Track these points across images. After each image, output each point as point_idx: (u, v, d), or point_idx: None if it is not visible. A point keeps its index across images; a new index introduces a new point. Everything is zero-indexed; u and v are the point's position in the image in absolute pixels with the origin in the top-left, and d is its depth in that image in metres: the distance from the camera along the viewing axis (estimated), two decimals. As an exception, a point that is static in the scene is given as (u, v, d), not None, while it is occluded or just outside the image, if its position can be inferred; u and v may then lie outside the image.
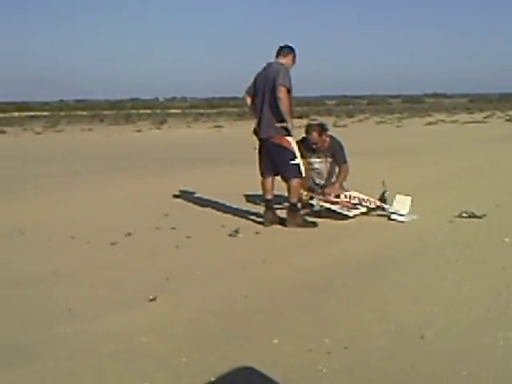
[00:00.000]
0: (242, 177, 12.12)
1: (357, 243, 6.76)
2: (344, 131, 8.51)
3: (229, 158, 16.97)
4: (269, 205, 7.67)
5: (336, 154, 8.51)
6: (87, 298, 4.92)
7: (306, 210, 8.18)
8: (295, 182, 7.56)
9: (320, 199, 8.23)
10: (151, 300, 4.83)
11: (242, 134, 29.53)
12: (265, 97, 7.48)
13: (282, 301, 4.78)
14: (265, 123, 7.54)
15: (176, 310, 4.63)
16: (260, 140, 7.62)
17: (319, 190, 8.45)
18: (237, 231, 7.16)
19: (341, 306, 4.63)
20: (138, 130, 33.07)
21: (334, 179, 8.56)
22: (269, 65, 7.57)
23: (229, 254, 6.27)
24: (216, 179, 12.18)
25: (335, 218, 7.87)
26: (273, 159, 7.56)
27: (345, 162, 8.48)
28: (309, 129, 8.57)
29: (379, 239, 6.99)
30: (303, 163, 8.00)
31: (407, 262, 5.95)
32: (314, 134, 8.50)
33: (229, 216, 8.19)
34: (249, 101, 7.76)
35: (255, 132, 7.59)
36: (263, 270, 5.70)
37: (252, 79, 7.59)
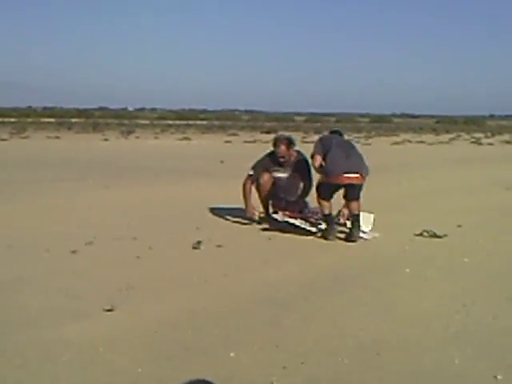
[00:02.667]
0: (208, 189, 12.47)
1: (319, 259, 6.83)
2: (311, 147, 8.73)
3: (196, 169, 17.14)
4: (331, 219, 8.02)
5: (301, 169, 8.50)
6: (45, 306, 4.85)
7: (266, 226, 8.29)
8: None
9: (284, 214, 8.25)
10: (109, 310, 4.77)
11: (210, 147, 29.95)
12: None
13: (242, 314, 4.78)
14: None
15: (134, 320, 4.60)
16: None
17: (283, 205, 8.46)
18: (199, 243, 7.15)
19: (300, 321, 4.64)
20: (106, 139, 33.05)
21: (298, 194, 8.57)
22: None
23: (190, 266, 6.27)
24: (182, 191, 12.21)
25: (298, 233, 7.89)
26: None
27: (309, 177, 8.47)
28: (277, 142, 8.64)
29: (341, 255, 7.06)
30: (268, 177, 8.43)
31: (367, 278, 5.99)
32: (282, 148, 8.56)
33: (192, 228, 8.18)
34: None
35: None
36: (224, 282, 5.70)
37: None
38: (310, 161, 8.27)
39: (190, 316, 4.71)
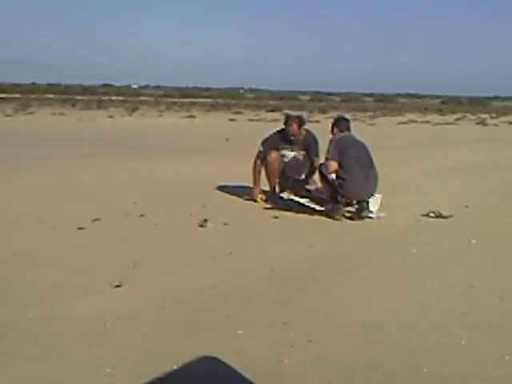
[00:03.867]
0: (214, 167, 12.44)
1: (326, 238, 6.80)
2: (316, 127, 8.57)
3: (201, 147, 17.17)
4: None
5: (310, 147, 8.53)
6: (53, 282, 4.86)
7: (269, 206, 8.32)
8: None
9: (291, 192, 8.27)
10: (117, 286, 4.79)
11: (214, 125, 29.80)
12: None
13: (250, 292, 4.77)
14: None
15: (142, 297, 4.60)
16: None
17: (290, 183, 8.52)
18: (206, 221, 7.14)
19: (308, 300, 4.64)
20: (110, 116, 32.91)
21: (305, 173, 8.64)
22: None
23: (197, 244, 6.25)
24: (188, 168, 12.23)
25: (305, 212, 7.88)
26: None
27: (317, 155, 8.49)
28: (289, 120, 8.67)
29: (348, 235, 7.05)
30: (276, 155, 8.54)
31: (374, 258, 5.97)
32: (294, 126, 8.61)
33: (199, 206, 8.18)
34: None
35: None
36: (231, 260, 5.69)
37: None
38: (319, 140, 8.46)
39: (197, 293, 4.72)
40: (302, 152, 8.60)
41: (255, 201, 8.62)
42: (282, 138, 8.64)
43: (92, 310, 4.26)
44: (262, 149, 8.64)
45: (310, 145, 8.58)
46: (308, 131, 8.64)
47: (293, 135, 8.58)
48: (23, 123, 25.71)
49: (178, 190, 9.63)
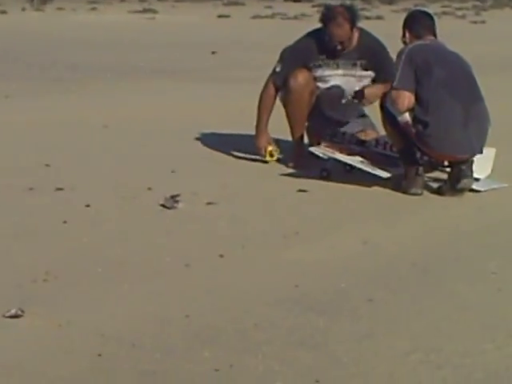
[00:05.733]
0: (191, 103, 8.99)
1: (393, 228, 4.88)
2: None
3: (170, 67, 12.48)
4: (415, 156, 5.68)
5: (374, 60, 6.04)
6: None
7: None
8: None
9: (330, 146, 5.87)
10: (13, 317, 3.33)
11: (192, 26, 21.35)
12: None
13: (255, 327, 3.27)
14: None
15: (58, 335, 3.21)
16: None
17: (331, 131, 6.11)
18: (175, 199, 5.15)
19: (357, 343, 3.17)
20: (2, 12, 24.37)
21: (357, 113, 6.32)
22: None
23: (157, 240, 4.48)
24: (146, 106, 8.81)
25: (355, 182, 5.70)
26: None
27: (391, 74, 5.70)
28: (332, 15, 5.99)
29: (432, 223, 5.03)
30: (306, 78, 5.93)
31: (480, 265, 4.16)
32: (345, 27, 5.93)
33: (163, 172, 5.96)
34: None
35: None
36: (219, 269, 4.04)
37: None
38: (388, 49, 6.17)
39: (157, 329, 3.26)
40: (359, 71, 6.16)
41: (263, 160, 6.20)
42: (319, 48, 6.08)
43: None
44: (279, 68, 6.14)
45: (373, 56, 6.04)
46: (364, 32, 6.22)
47: (340, 42, 5.99)
48: None
49: (125, 143, 7.00)
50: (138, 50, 14.67)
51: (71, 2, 27.35)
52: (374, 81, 6.06)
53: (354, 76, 6.01)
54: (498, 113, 5.92)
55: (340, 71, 6.01)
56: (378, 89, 5.83)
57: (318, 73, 6.03)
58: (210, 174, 6.07)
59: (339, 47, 5.90)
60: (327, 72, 6.01)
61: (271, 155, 6.14)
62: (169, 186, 5.55)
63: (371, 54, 6.00)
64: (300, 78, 5.94)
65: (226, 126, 7.26)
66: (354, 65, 6.01)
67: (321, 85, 6.04)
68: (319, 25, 6.15)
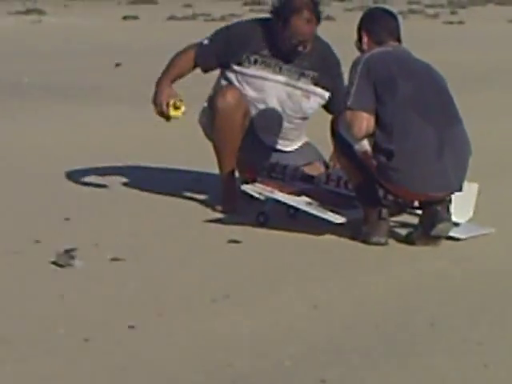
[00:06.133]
0: (87, 130, 7.80)
1: (347, 289, 3.94)
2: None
3: (59, 84, 10.87)
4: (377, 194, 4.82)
5: (332, 76, 5.15)
6: None
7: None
8: None
9: (268, 184, 4.88)
10: None
11: (91, 30, 18.93)
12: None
13: None
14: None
15: None
16: None
17: (268, 162, 5.24)
18: (70, 254, 4.19)
19: None
20: None
21: (302, 139, 5.46)
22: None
23: (49, 310, 3.53)
24: (27, 132, 7.65)
25: (301, 229, 4.79)
26: None
27: (346, 101, 4.78)
28: (298, 6, 4.90)
29: (398, 280, 4.16)
30: (236, 93, 5.00)
31: (454, 330, 3.43)
32: (313, 23, 4.94)
33: (55, 219, 5.00)
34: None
35: None
36: (131, 344, 3.14)
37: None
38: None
39: None
40: (308, 85, 5.18)
41: (166, 118, 5.10)
42: (264, 40, 5.04)
43: None
44: (207, 41, 5.04)
45: (327, 70, 5.13)
46: (320, 40, 5.30)
47: (303, 41, 4.97)
48: None
49: (8, 182, 5.94)
50: (20, 62, 12.59)
51: None
52: (325, 106, 5.18)
53: (299, 89, 5.06)
54: (480, 138, 5.36)
55: (281, 78, 5.05)
56: None
57: (250, 70, 5.03)
58: (115, 220, 5.20)
59: (300, 48, 4.92)
60: (263, 73, 5.03)
61: (176, 107, 5.02)
62: (62, 237, 4.71)
63: (325, 68, 5.13)
64: (229, 96, 4.97)
65: (132, 158, 6.39)
66: (302, 75, 5.05)
67: (251, 93, 5.04)
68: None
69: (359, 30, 4.75)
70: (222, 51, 5.03)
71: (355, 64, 4.59)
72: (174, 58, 5.03)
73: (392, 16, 4.93)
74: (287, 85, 4.99)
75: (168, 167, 5.81)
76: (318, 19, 4.90)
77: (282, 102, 5.03)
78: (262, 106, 5.04)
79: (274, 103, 5.05)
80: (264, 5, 23.13)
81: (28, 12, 21.55)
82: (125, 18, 20.82)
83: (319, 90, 5.03)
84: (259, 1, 25.81)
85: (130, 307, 3.68)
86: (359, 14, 5.04)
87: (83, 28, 17.87)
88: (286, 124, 5.08)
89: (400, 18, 5.08)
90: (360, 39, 4.75)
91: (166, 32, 17.15)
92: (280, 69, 4.96)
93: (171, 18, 21.10)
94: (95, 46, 14.39)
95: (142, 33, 17.46)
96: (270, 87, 4.97)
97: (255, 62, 4.95)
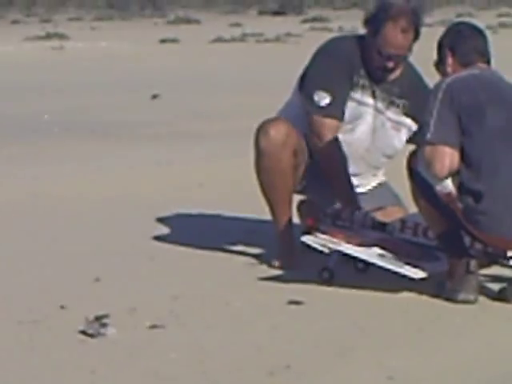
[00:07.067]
0: (122, 174, 7.18)
1: (428, 357, 3.36)
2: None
3: (89, 119, 10.14)
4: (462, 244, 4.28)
5: (420, 106, 4.24)
6: None
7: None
8: None
9: (333, 234, 4.33)
10: None
11: (122, 57, 17.74)
12: None
13: None
14: None
15: None
16: None
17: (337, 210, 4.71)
18: (101, 322, 3.67)
19: None
20: None
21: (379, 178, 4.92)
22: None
23: None
24: (51, 178, 6.95)
25: (372, 287, 4.26)
26: None
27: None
28: (394, 14, 4.28)
29: (489, 346, 3.54)
30: (280, 132, 4.23)
31: None
32: (410, 35, 4.28)
33: (82, 282, 4.43)
34: None
35: None
36: None
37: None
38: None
39: None
40: (399, 116, 4.55)
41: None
42: (361, 59, 4.35)
43: None
44: (328, 101, 4.31)
45: (417, 99, 4.38)
46: (412, 66, 4.69)
47: (396, 55, 4.29)
48: None
49: (23, 235, 5.39)
50: (40, 97, 11.86)
51: None
52: (409, 139, 4.50)
53: (389, 120, 4.41)
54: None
55: (373, 103, 4.38)
56: None
57: (357, 95, 4.38)
58: (153, 281, 4.65)
59: (391, 65, 4.27)
60: (359, 96, 4.39)
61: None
62: (91, 301, 4.23)
63: (417, 97, 4.40)
64: (273, 131, 4.24)
65: (172, 205, 5.86)
66: (392, 103, 4.41)
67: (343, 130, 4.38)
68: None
69: (440, 48, 4.18)
70: (338, 93, 4.24)
71: (435, 90, 4.09)
72: (329, 159, 4.29)
73: (480, 33, 4.38)
74: (378, 112, 4.38)
75: (216, 216, 5.44)
76: (417, 33, 4.29)
77: (374, 132, 4.41)
78: (348, 136, 4.36)
79: (366, 133, 4.41)
80: (328, 22, 22.21)
81: (48, 37, 20.21)
82: (163, 41, 19.87)
83: (408, 121, 4.42)
84: (321, 17, 24.07)
85: (173, 382, 3.25)
86: (440, 31, 4.41)
87: (113, 54, 16.88)
88: (369, 159, 4.48)
89: (488, 35, 4.50)
90: (441, 60, 4.20)
91: (210, 57, 16.12)
92: (373, 93, 4.36)
93: (216, 39, 19.78)
94: (127, 75, 13.49)
95: (183, 58, 16.43)
96: (366, 113, 4.34)
97: (359, 86, 4.34)
